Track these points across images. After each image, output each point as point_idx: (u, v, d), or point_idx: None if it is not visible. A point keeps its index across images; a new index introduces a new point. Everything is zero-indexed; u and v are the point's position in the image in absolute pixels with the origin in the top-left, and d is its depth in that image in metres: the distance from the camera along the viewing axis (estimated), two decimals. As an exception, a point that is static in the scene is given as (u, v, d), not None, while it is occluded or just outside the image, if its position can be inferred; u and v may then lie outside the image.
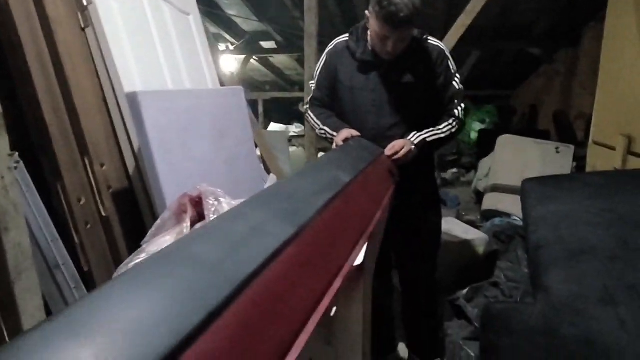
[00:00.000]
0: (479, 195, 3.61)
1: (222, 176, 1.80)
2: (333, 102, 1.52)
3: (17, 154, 1.52)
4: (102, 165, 1.55)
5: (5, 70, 1.52)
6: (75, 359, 0.31)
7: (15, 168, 1.50)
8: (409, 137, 1.36)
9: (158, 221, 1.03)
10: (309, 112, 1.58)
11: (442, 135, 1.43)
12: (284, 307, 0.51)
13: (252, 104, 6.68)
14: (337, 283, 0.62)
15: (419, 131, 1.39)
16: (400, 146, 1.30)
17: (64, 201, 1.49)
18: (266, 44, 5.28)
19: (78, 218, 1.52)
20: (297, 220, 0.64)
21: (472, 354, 1.41)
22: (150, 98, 1.44)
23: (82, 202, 1.50)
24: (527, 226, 1.54)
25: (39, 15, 1.49)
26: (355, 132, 1.35)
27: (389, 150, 1.30)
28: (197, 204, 1.01)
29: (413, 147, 1.32)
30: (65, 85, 1.52)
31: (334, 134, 1.41)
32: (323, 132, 1.49)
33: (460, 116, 1.47)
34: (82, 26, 1.59)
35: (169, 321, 0.38)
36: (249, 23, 4.77)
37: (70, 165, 1.49)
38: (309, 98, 1.61)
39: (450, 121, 1.45)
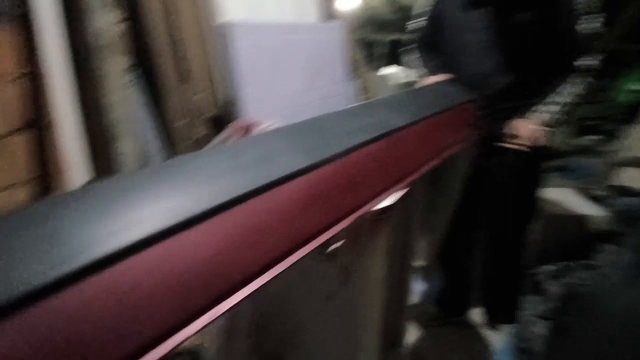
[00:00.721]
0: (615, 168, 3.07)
1: (312, 115, 1.79)
2: (438, 44, 1.40)
3: (134, 72, 1.72)
4: (197, 94, 1.68)
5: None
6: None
7: (132, 85, 1.71)
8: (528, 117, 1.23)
9: (208, 144, 1.09)
10: (411, 53, 1.49)
11: (562, 105, 1.25)
12: (268, 232, 0.51)
13: (369, 45, 6.44)
14: (345, 223, 0.59)
15: (531, 101, 1.24)
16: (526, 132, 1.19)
17: (167, 122, 1.67)
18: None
19: (176, 139, 1.70)
20: (311, 154, 0.62)
21: (542, 333, 1.28)
22: (242, 30, 1.47)
23: (178, 125, 1.66)
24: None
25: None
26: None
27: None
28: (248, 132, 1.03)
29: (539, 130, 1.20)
30: (176, 15, 1.64)
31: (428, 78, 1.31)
32: (421, 75, 1.40)
33: (586, 70, 1.24)
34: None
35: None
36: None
37: (172, 90, 1.64)
38: (413, 38, 1.50)
39: (573, 81, 1.25)
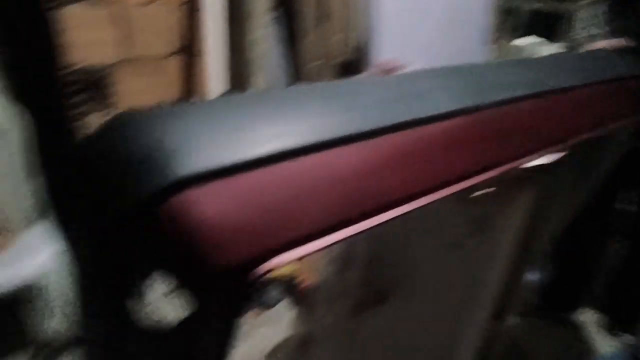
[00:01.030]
0: None
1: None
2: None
3: (276, 12, 1.80)
4: (336, 35, 1.70)
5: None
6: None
7: (273, 25, 1.80)
8: None
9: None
10: (596, 6, 1.29)
11: None
12: (412, 166, 0.52)
13: (509, 12, 5.85)
14: (493, 173, 0.58)
15: None
16: None
17: (301, 61, 1.73)
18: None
19: (302, 81, 1.76)
20: (465, 98, 0.60)
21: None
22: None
23: (310, 66, 1.71)
24: None
25: None
26: None
27: None
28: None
29: None
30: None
31: None
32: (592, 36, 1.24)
33: None
34: None
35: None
36: None
37: (310, 31, 1.69)
38: None
39: None
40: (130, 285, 0.36)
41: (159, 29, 1.60)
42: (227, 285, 0.37)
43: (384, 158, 0.49)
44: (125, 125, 0.38)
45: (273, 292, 1.81)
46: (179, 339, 0.38)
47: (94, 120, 1.51)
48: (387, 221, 0.48)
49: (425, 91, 0.60)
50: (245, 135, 0.41)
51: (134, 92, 1.57)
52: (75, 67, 1.43)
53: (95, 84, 1.48)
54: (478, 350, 1.02)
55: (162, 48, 1.65)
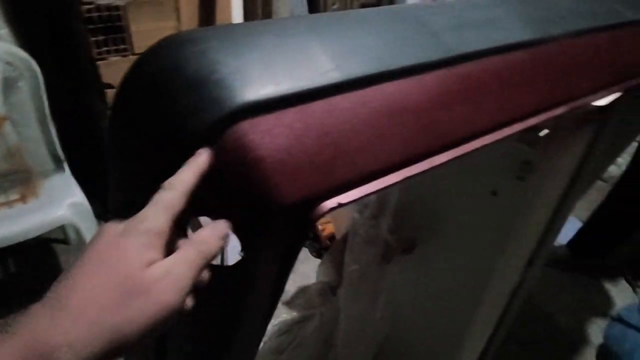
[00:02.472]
0: None
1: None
2: None
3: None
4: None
5: None
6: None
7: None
8: None
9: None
10: None
11: None
12: (482, 100, 0.47)
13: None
14: (558, 111, 0.53)
15: None
16: None
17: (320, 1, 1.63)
18: None
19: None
20: (538, 28, 0.54)
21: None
22: None
23: (335, 6, 1.62)
24: None
25: None
26: None
27: None
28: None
29: None
30: None
31: None
32: None
33: None
34: None
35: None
36: None
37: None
38: None
39: None
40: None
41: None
42: (288, 223, 0.35)
43: (453, 90, 0.44)
44: (180, 45, 0.34)
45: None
46: (240, 272, 0.37)
47: (115, 63, 1.46)
48: (451, 159, 0.44)
49: (497, 18, 0.54)
50: (307, 62, 0.36)
51: (150, 33, 1.50)
52: (92, 5, 1.35)
53: (111, 25, 1.41)
54: (507, 296, 1.02)
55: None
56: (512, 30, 0.52)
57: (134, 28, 1.48)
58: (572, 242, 1.77)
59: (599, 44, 0.62)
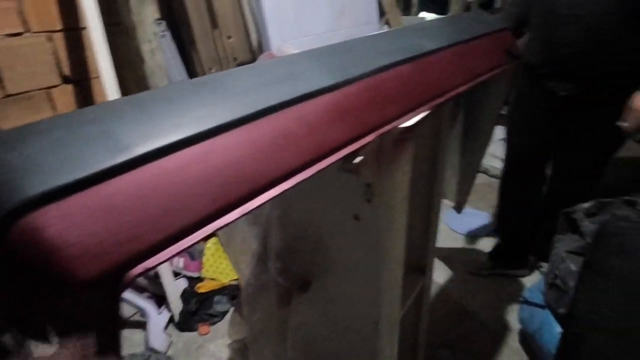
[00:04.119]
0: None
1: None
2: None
3: (164, 23, 1.75)
4: (229, 38, 1.69)
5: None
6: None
7: (163, 36, 1.74)
8: None
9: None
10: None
11: None
12: (295, 141, 0.53)
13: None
14: (369, 138, 0.61)
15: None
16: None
17: (198, 69, 1.70)
18: None
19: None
20: (338, 73, 0.63)
21: (573, 268, 1.28)
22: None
23: (212, 71, 1.69)
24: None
25: None
26: None
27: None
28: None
29: None
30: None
31: None
32: None
33: None
34: None
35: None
36: None
37: (203, 36, 1.66)
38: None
39: None
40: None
41: (36, 61, 1.50)
42: (96, 296, 0.36)
43: (260, 141, 0.50)
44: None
45: (219, 304, 1.78)
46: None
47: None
48: (267, 200, 0.49)
49: (301, 72, 0.62)
50: (96, 146, 0.40)
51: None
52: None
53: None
54: (404, 307, 1.08)
55: (44, 79, 1.55)
56: (314, 79, 0.60)
57: (3, 125, 1.43)
58: (492, 254, 1.93)
59: (403, 75, 0.72)
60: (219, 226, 0.44)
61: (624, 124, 1.30)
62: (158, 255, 0.39)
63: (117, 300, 0.37)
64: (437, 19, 1.15)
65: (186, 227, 0.41)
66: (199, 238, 0.42)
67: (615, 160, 1.61)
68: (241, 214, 0.46)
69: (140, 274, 0.38)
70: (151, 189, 0.40)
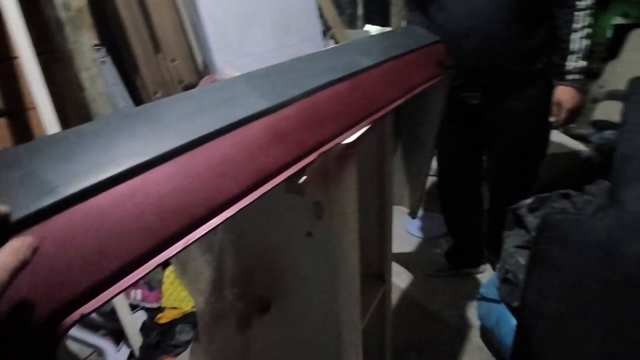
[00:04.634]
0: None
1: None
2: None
3: (104, 48, 1.70)
4: (173, 61, 1.67)
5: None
6: None
7: (103, 62, 1.70)
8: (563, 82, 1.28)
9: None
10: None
11: (583, 36, 1.26)
12: (234, 167, 0.54)
13: (352, 6, 6.29)
14: (309, 159, 0.62)
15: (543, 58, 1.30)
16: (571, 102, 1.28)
17: (143, 94, 1.66)
18: None
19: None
20: (274, 96, 0.64)
21: (522, 262, 1.34)
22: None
23: (157, 95, 1.66)
24: (620, 133, 1.34)
25: None
26: None
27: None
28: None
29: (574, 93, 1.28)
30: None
31: None
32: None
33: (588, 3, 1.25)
34: None
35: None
36: None
37: (146, 61, 1.63)
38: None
39: (576, 18, 1.25)
40: None
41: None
42: (30, 352, 0.35)
43: (193, 174, 0.49)
44: None
45: (182, 333, 1.73)
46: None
47: None
48: (220, 223, 0.48)
49: (238, 96, 0.63)
50: (21, 190, 0.38)
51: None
52: None
53: None
54: (373, 315, 1.10)
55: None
56: (250, 104, 0.61)
57: None
58: (447, 255, 1.99)
59: (340, 93, 0.75)
60: (161, 261, 0.43)
61: (553, 119, 1.39)
62: (96, 299, 0.38)
63: (53, 352, 0.36)
64: (371, 36, 1.20)
65: (124, 266, 0.40)
66: (140, 275, 0.41)
67: (552, 157, 1.72)
68: (183, 246, 0.46)
69: (77, 321, 0.37)
70: (82, 230, 0.39)
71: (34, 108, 1.52)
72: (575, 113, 1.36)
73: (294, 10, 1.90)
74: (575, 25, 1.26)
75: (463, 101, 1.46)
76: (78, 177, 0.41)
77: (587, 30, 1.27)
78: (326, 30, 2.33)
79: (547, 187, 1.65)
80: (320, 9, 2.20)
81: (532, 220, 1.42)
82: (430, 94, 1.13)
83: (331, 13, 2.43)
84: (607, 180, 1.64)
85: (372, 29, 5.72)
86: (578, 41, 1.28)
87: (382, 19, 6.53)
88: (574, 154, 2.43)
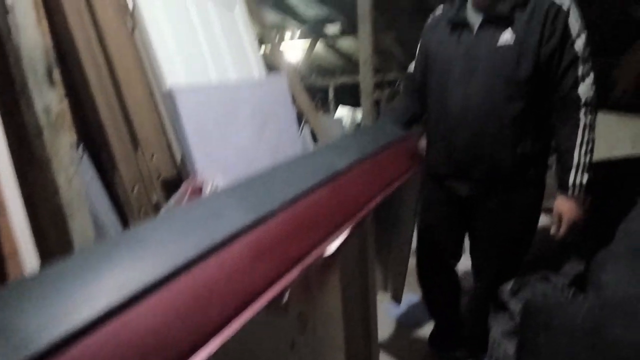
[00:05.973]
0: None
1: (264, 166, 1.84)
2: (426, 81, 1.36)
3: (81, 146, 1.71)
4: (152, 156, 1.69)
5: (67, 74, 1.72)
6: None
7: (80, 159, 1.70)
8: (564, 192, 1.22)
9: (163, 208, 1.10)
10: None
11: (585, 151, 1.19)
12: (219, 293, 0.52)
13: (323, 91, 6.69)
14: (294, 273, 0.62)
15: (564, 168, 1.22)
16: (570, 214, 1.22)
17: (120, 190, 1.66)
18: (331, 28, 5.25)
19: (133, 205, 1.68)
20: (257, 209, 0.65)
21: (510, 351, 1.31)
22: (186, 94, 1.52)
23: (135, 191, 1.66)
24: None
25: (92, 23, 1.66)
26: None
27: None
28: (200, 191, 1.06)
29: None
30: (117, 85, 1.68)
31: None
32: None
33: (589, 98, 1.18)
34: (131, 29, 1.74)
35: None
36: (312, 7, 4.78)
37: (124, 158, 1.65)
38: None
39: (579, 116, 1.18)
40: None
41: None
42: None
43: (188, 296, 0.48)
44: None
45: None
46: None
47: None
48: (210, 353, 0.46)
49: (223, 212, 0.62)
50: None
51: None
52: None
53: None
54: None
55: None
56: (233, 220, 0.61)
57: None
58: (430, 339, 1.91)
59: (319, 199, 0.76)
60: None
61: (552, 232, 1.33)
62: None
63: None
64: (347, 135, 1.26)
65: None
66: None
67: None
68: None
69: None
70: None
71: (5, 210, 1.48)
72: (576, 225, 1.27)
73: (270, 101, 1.99)
74: (577, 141, 1.21)
75: (450, 190, 1.38)
76: (54, 325, 0.39)
77: (590, 145, 1.22)
78: (300, 116, 2.43)
79: (527, 263, 1.66)
80: (293, 96, 2.31)
81: (515, 304, 1.41)
82: (404, 185, 1.17)
83: (304, 99, 2.54)
84: (581, 256, 1.69)
85: (343, 112, 6.04)
86: (582, 156, 1.21)
87: (352, 99, 6.94)
88: (548, 229, 2.47)
